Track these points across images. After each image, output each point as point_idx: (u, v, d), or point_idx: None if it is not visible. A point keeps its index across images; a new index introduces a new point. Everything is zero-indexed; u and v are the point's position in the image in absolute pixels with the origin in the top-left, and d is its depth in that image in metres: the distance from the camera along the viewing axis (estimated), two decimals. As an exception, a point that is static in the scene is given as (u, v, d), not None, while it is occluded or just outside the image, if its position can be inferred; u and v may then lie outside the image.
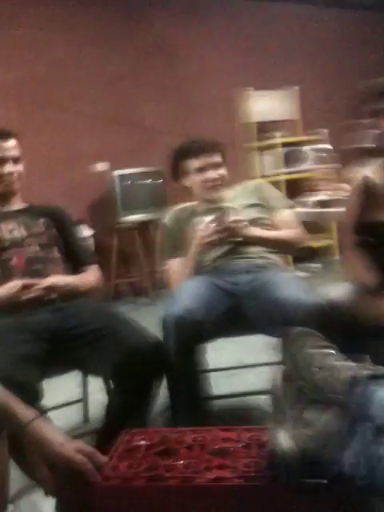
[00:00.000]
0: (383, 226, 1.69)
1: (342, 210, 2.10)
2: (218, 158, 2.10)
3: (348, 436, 1.00)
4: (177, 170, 2.17)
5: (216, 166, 2.09)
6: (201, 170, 2.09)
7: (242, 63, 5.38)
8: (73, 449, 1.12)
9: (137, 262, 4.77)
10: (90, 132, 4.77)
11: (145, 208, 4.60)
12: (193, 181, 2.13)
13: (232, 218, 1.92)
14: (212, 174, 2.08)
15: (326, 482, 1.02)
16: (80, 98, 4.73)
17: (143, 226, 4.71)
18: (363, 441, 0.98)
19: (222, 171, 2.11)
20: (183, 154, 2.13)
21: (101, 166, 4.82)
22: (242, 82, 5.27)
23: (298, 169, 5.27)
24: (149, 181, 4.62)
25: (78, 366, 1.82)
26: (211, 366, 1.81)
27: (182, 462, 1.13)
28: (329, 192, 2.65)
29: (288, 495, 1.02)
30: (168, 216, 2.36)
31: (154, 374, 1.60)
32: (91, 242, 4.36)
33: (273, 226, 2.10)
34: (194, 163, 2.09)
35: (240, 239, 1.97)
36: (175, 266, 2.08)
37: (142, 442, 1.24)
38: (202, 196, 2.15)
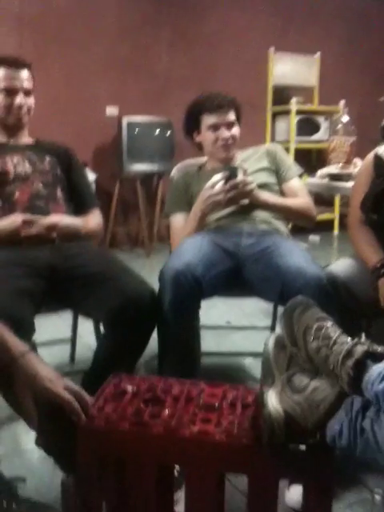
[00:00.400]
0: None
1: (350, 184, 2.09)
2: (232, 117, 2.06)
3: (334, 407, 1.02)
4: (190, 124, 2.13)
5: (230, 124, 2.05)
6: (214, 127, 2.05)
7: (265, 24, 5.21)
8: (61, 386, 1.14)
9: (136, 213, 4.75)
10: (104, 75, 4.65)
11: (151, 159, 4.54)
12: (205, 137, 2.09)
13: (241, 178, 1.90)
14: (225, 132, 2.05)
15: (306, 447, 1.04)
16: (98, 40, 4.59)
17: (147, 177, 4.66)
18: (349, 413, 1.00)
19: (235, 131, 2.08)
20: (198, 108, 2.09)
21: (110, 111, 4.73)
22: (263, 44, 5.13)
23: (310, 138, 5.21)
24: (157, 131, 4.54)
25: (71, 306, 1.83)
26: (200, 323, 1.82)
27: (167, 411, 1.15)
28: (339, 165, 2.61)
29: (269, 456, 1.05)
30: (176, 170, 2.33)
31: (147, 323, 1.61)
32: (93, 187, 4.32)
33: (282, 193, 2.08)
34: (208, 119, 2.05)
35: (247, 201, 1.95)
36: (179, 222, 2.07)
37: (130, 388, 1.26)
38: (213, 154, 2.12)
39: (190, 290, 1.62)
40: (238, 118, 2.11)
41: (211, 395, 1.23)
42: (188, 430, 1.08)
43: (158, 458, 1.12)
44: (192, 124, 2.12)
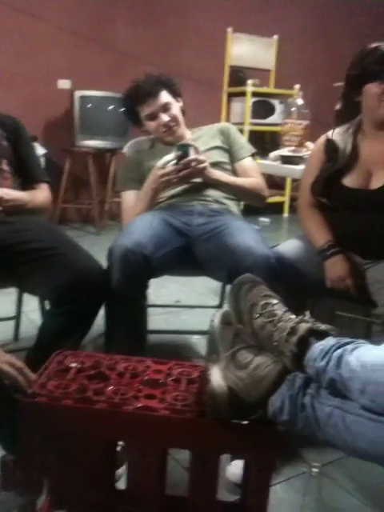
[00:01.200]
0: (339, 190, 1.70)
1: (302, 167, 2.11)
2: (164, 99, 2.02)
3: (277, 383, 1.03)
4: (131, 119, 2.11)
5: (165, 108, 2.02)
6: (151, 116, 2.02)
7: (224, 3, 5.17)
8: (3, 361, 1.11)
9: (87, 190, 4.67)
10: (59, 45, 4.51)
11: (104, 135, 4.46)
12: (148, 126, 2.07)
13: (193, 156, 1.88)
14: (163, 117, 2.02)
15: (248, 422, 1.06)
16: (52, 9, 4.43)
17: (99, 153, 4.58)
18: (290, 389, 1.02)
19: (175, 110, 2.04)
20: (130, 103, 2.06)
21: (63, 84, 4.60)
22: (221, 23, 5.10)
23: (265, 121, 5.24)
24: (111, 107, 4.45)
25: (16, 283, 1.79)
26: (149, 302, 1.82)
27: (111, 387, 1.15)
28: (292, 148, 2.63)
29: (211, 431, 1.06)
30: (128, 146, 2.29)
31: (94, 300, 1.59)
32: (42, 161, 4.20)
33: (234, 172, 2.08)
34: (143, 111, 2.03)
35: (199, 180, 1.94)
36: (130, 199, 2.04)
37: (74, 365, 1.24)
38: (160, 140, 2.10)
39: (138, 268, 1.61)
40: (175, 93, 2.08)
41: (157, 371, 1.23)
42: (131, 405, 1.08)
43: (101, 434, 1.12)
44: (133, 118, 2.10)
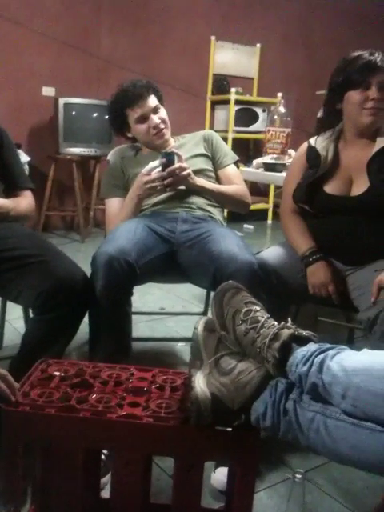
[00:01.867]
0: (320, 197, 1.72)
1: (284, 174, 2.13)
2: (154, 101, 2.04)
3: (259, 388, 1.04)
4: (118, 123, 2.10)
5: (155, 109, 2.04)
6: (142, 119, 2.03)
7: (207, 11, 5.20)
8: None
9: (72, 197, 4.65)
10: (43, 53, 4.50)
11: (87, 142, 4.45)
12: (137, 131, 2.06)
13: (177, 165, 1.89)
14: (155, 119, 2.03)
15: (232, 429, 1.06)
16: (36, 16, 4.43)
17: (83, 160, 4.56)
18: (273, 394, 1.02)
19: (162, 113, 2.06)
20: (120, 106, 2.05)
21: (47, 91, 4.59)
22: (205, 31, 5.14)
23: (248, 129, 5.27)
24: (95, 114, 4.45)
25: (-1, 290, 1.77)
26: (134, 309, 1.81)
27: (94, 395, 1.14)
28: (274, 155, 2.66)
29: (195, 438, 1.06)
30: (112, 153, 2.30)
31: (78, 308, 1.58)
32: (27, 168, 4.18)
33: (217, 179, 2.09)
34: (134, 114, 2.03)
35: (183, 187, 1.95)
36: (114, 206, 2.04)
37: (57, 373, 1.23)
38: (149, 143, 2.10)
39: (122, 275, 1.61)
40: (160, 99, 2.09)
41: (140, 379, 1.23)
42: (115, 413, 1.08)
43: (85, 443, 1.11)
44: (120, 123, 2.09)
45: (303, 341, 1.04)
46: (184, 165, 1.90)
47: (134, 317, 1.81)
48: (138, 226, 1.83)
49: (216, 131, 2.34)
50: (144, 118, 2.02)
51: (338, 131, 1.78)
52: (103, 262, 1.60)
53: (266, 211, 5.62)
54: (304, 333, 1.05)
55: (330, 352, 0.99)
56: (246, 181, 2.20)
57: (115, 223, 1.93)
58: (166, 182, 1.87)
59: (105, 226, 2.09)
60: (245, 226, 5.01)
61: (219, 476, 1.42)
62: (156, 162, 1.90)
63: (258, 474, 1.47)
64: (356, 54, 1.67)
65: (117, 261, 1.60)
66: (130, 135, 2.12)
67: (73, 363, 1.29)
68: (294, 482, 1.21)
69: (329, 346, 1.02)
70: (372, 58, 1.63)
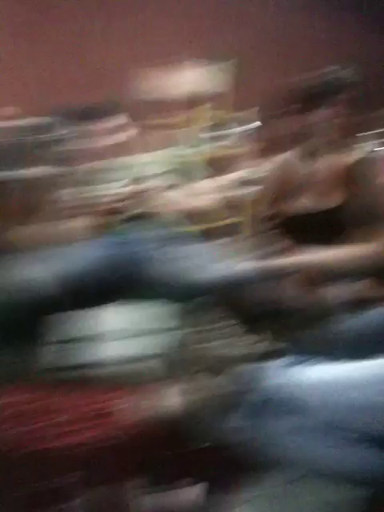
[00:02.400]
0: (294, 210, 1.73)
1: (257, 189, 2.14)
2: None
3: (233, 405, 1.03)
4: None
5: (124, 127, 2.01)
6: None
7: (176, 28, 5.22)
8: None
9: None
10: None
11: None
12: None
13: (143, 185, 1.86)
14: (121, 136, 1.99)
15: (206, 445, 1.04)
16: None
17: None
18: (248, 411, 1.01)
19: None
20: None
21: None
22: (174, 49, 5.14)
23: (222, 144, 5.29)
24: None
25: None
26: (104, 330, 1.77)
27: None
28: (249, 170, 2.67)
29: (169, 456, 1.04)
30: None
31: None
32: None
33: (190, 195, 2.08)
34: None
35: (152, 207, 1.92)
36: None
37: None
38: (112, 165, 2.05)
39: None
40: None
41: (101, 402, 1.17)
42: (57, 442, 1.02)
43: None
44: None
45: (279, 353, 1.04)
46: (151, 184, 1.87)
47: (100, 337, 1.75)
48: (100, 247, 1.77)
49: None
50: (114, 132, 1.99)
51: (311, 145, 1.79)
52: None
53: (240, 225, 5.61)
54: (280, 345, 1.05)
55: (307, 364, 0.99)
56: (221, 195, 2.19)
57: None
58: (130, 202, 1.83)
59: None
60: (219, 240, 5.00)
61: (195, 494, 1.39)
62: (120, 182, 1.86)
63: (234, 488, 1.44)
64: (327, 69, 1.70)
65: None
66: None
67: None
68: (272, 496, 1.19)
69: (305, 357, 1.01)
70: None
